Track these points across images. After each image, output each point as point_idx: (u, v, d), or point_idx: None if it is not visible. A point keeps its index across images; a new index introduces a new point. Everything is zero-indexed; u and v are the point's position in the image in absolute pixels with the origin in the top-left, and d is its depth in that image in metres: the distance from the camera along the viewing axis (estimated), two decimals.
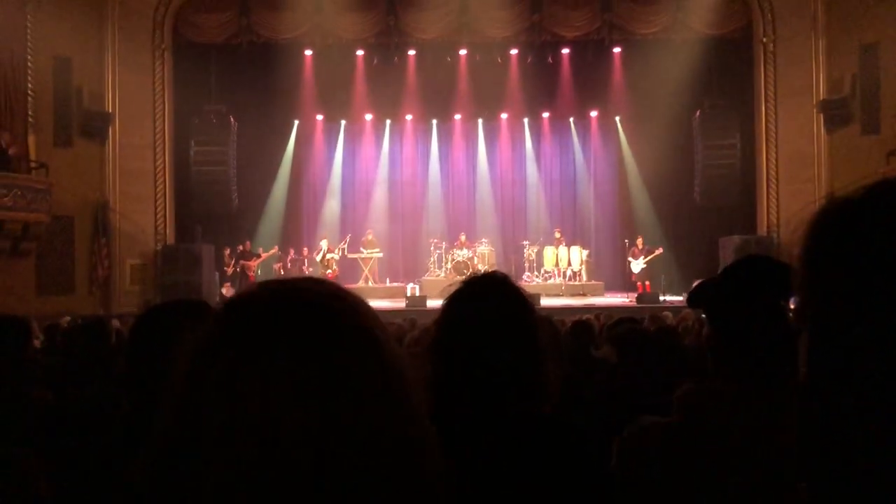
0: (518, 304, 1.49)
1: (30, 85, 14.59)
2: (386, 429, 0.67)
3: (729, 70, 16.88)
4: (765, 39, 16.31)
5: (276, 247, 16.54)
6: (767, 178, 16.43)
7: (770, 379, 1.35)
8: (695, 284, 1.59)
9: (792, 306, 1.29)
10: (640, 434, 1.46)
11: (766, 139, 16.43)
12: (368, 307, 0.75)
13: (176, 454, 0.66)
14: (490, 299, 1.47)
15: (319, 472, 0.63)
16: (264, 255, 16.25)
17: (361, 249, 17.07)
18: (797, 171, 16.11)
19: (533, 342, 1.44)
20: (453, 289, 1.56)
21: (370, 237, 17.22)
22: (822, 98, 15.92)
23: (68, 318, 9.07)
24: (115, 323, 6.83)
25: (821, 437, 0.72)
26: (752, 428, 1.30)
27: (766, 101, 16.41)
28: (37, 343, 6.42)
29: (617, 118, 18.69)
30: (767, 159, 16.43)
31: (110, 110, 15.98)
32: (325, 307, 0.70)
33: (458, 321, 1.45)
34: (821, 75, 15.96)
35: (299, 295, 0.72)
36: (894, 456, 0.67)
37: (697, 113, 16.83)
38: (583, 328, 5.06)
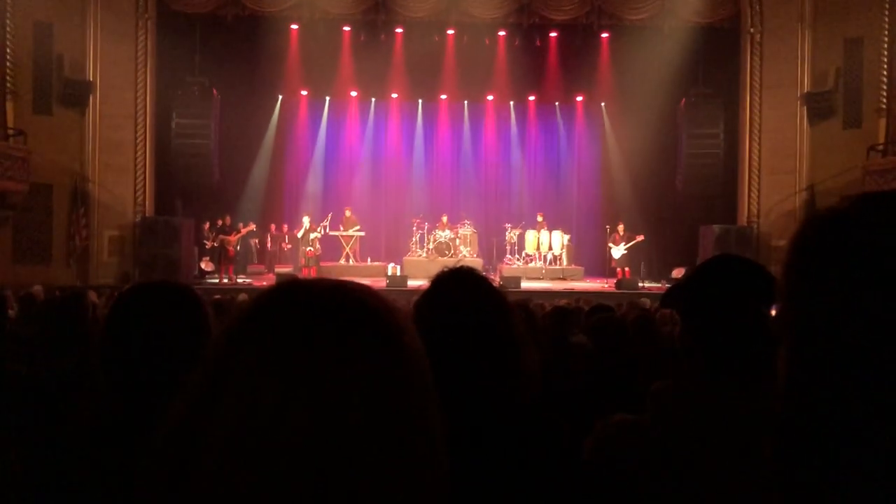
0: (488, 297, 1.48)
1: (8, 51, 14.34)
2: (402, 441, 0.67)
3: (715, 60, 16.91)
4: (752, 30, 16.34)
5: (252, 223, 16.40)
6: (749, 169, 16.54)
7: (746, 382, 1.36)
8: (668, 287, 1.59)
9: (773, 313, 1.31)
10: (612, 431, 1.46)
11: (750, 130, 16.52)
12: (398, 314, 0.74)
13: (187, 445, 0.66)
14: (459, 298, 1.47)
15: (330, 480, 0.63)
16: (243, 231, 16.15)
17: (340, 227, 17.01)
18: (779, 162, 16.23)
19: (508, 334, 1.44)
20: (423, 289, 1.55)
21: (348, 214, 17.14)
22: (806, 91, 16.02)
23: (40, 288, 8.95)
24: (92, 295, 6.76)
25: (798, 448, 0.73)
26: (728, 429, 1.31)
27: (752, 91, 16.48)
28: (11, 313, 6.35)
29: (602, 104, 18.71)
30: (750, 150, 16.53)
31: (91, 79, 15.74)
32: (354, 314, 0.70)
33: (429, 326, 1.44)
34: (805, 68, 16.05)
35: (329, 298, 0.71)
36: (876, 466, 0.68)
37: (683, 101, 16.88)
38: (562, 314, 5.09)
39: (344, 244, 17.14)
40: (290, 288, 0.73)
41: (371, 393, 0.66)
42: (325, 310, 0.69)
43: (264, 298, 0.72)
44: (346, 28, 17.43)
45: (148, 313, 1.54)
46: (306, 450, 0.63)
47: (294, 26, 17.13)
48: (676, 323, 6.03)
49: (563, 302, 8.12)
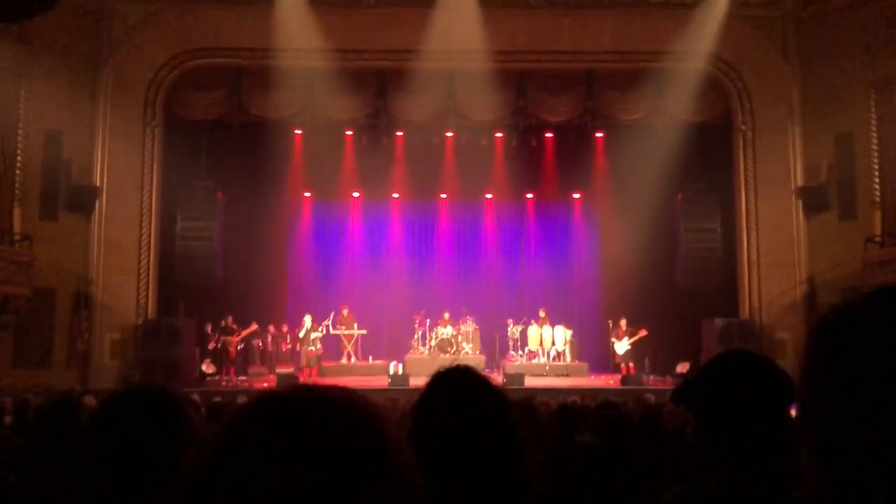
0: (487, 399, 1.46)
1: (19, 159, 14.68)
2: None
3: (709, 156, 17.26)
4: (743, 127, 16.75)
5: (255, 323, 16.36)
6: (749, 262, 16.61)
7: (766, 484, 1.32)
8: (678, 383, 1.56)
9: (792, 413, 1.27)
10: None
11: (747, 224, 16.68)
12: (384, 424, 0.73)
13: None
14: (457, 401, 1.45)
15: None
16: (244, 332, 16.08)
17: (340, 326, 16.94)
18: (778, 255, 16.31)
19: (509, 437, 1.41)
20: (421, 391, 1.52)
21: (346, 313, 17.11)
22: (799, 185, 16.27)
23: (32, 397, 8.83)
24: (90, 400, 6.67)
25: None
26: None
27: (746, 186, 16.74)
28: (7, 420, 6.26)
29: (600, 201, 18.96)
30: (748, 243, 16.64)
31: (98, 184, 16.03)
32: (345, 427, 0.69)
33: (427, 432, 1.41)
34: (798, 163, 16.35)
35: (310, 416, 0.70)
36: None
37: (679, 196, 17.13)
38: (567, 412, 5.00)
39: (346, 343, 17.03)
40: (267, 406, 0.72)
41: None
42: (305, 431, 0.68)
43: (242, 418, 0.71)
44: (349, 132, 17.92)
45: (123, 422, 1.51)
46: None
47: (298, 131, 17.62)
48: (684, 419, 5.93)
49: (570, 399, 7.99)
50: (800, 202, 16.25)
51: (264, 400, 0.72)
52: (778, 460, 1.32)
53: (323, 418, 0.69)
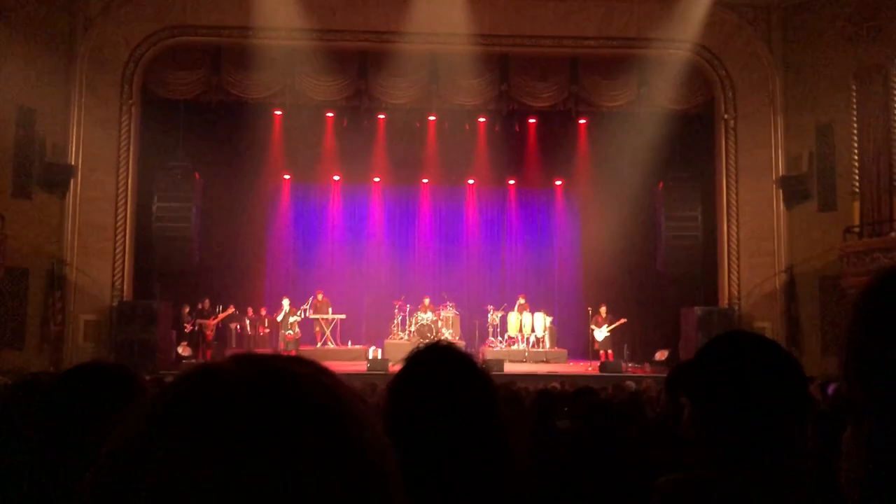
0: (471, 378, 1.37)
1: None
2: None
3: (691, 144, 17.28)
4: (726, 116, 16.78)
5: (232, 306, 16.18)
6: (728, 251, 16.68)
7: (770, 474, 1.23)
8: (673, 369, 1.48)
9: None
10: None
11: (728, 213, 16.74)
12: (356, 406, 0.57)
13: None
14: (439, 381, 1.36)
15: None
16: (221, 315, 15.91)
17: (315, 311, 16.79)
18: (757, 244, 16.39)
19: (494, 421, 1.33)
20: (396, 369, 1.43)
21: (321, 298, 16.98)
22: (780, 174, 16.34)
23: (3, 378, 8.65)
24: None
25: None
26: None
27: (727, 175, 16.78)
28: None
29: (581, 187, 18.94)
30: (728, 232, 16.71)
31: (73, 163, 15.75)
32: (303, 415, 0.53)
33: (406, 414, 1.33)
34: (779, 152, 16.42)
35: (270, 382, 0.54)
36: None
37: (661, 184, 17.14)
38: (547, 398, 4.95)
39: (324, 327, 16.92)
40: (227, 366, 0.56)
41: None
42: (252, 413, 0.52)
43: (192, 378, 0.55)
44: (330, 114, 17.70)
45: (79, 396, 1.45)
46: None
47: (278, 112, 17.38)
48: (665, 406, 5.90)
49: (549, 385, 7.96)
50: (780, 192, 16.33)
51: (194, 377, 0.56)
52: (783, 449, 1.24)
53: (275, 402, 0.53)
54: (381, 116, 17.77)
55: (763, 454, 1.24)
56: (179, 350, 15.72)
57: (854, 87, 15.11)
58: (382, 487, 0.54)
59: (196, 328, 15.68)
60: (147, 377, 7.63)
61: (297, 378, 0.56)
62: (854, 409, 0.69)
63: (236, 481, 0.48)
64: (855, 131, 15.07)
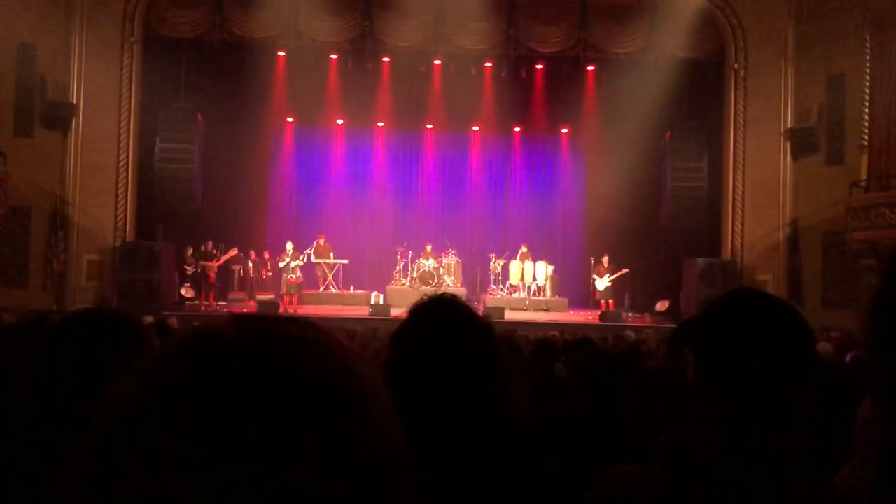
0: (473, 330, 1.36)
1: None
2: None
3: (700, 94, 17.05)
4: (736, 66, 16.51)
5: (236, 248, 16.20)
6: (733, 203, 16.60)
7: (779, 431, 1.22)
8: (680, 322, 1.46)
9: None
10: (617, 485, 1.31)
11: (734, 164, 16.62)
12: (364, 372, 0.55)
13: None
14: (441, 333, 1.35)
15: None
16: (223, 258, 15.95)
17: (318, 256, 16.80)
18: (762, 197, 16.31)
19: (496, 372, 1.32)
20: (400, 322, 1.42)
21: (322, 243, 16.97)
22: (789, 126, 16.15)
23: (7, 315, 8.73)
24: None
25: None
26: (752, 484, 1.17)
27: (735, 126, 16.60)
28: None
29: (588, 135, 18.76)
30: (734, 184, 16.61)
31: (74, 101, 15.60)
32: (305, 373, 0.51)
33: (409, 365, 1.32)
34: (789, 104, 16.21)
35: (272, 351, 0.52)
36: None
37: (668, 134, 16.96)
38: (547, 347, 4.97)
39: (327, 272, 16.97)
40: (227, 332, 0.53)
41: (318, 487, 0.48)
42: (253, 382, 0.50)
43: (171, 362, 0.52)
44: (334, 56, 17.43)
45: (80, 341, 1.44)
46: None
47: (281, 53, 17.12)
48: (663, 359, 5.93)
49: (549, 334, 8.01)
50: (788, 144, 16.17)
51: (192, 346, 0.53)
52: (790, 408, 1.23)
53: (275, 372, 0.51)
54: (386, 59, 17.49)
55: (767, 413, 1.22)
56: (182, 292, 15.81)
57: (868, 38, 14.80)
58: (385, 457, 0.52)
59: (199, 270, 15.74)
60: (149, 318, 7.67)
61: (299, 343, 0.54)
62: (874, 377, 0.67)
63: (233, 455, 0.47)
64: (867, 83, 14.82)
